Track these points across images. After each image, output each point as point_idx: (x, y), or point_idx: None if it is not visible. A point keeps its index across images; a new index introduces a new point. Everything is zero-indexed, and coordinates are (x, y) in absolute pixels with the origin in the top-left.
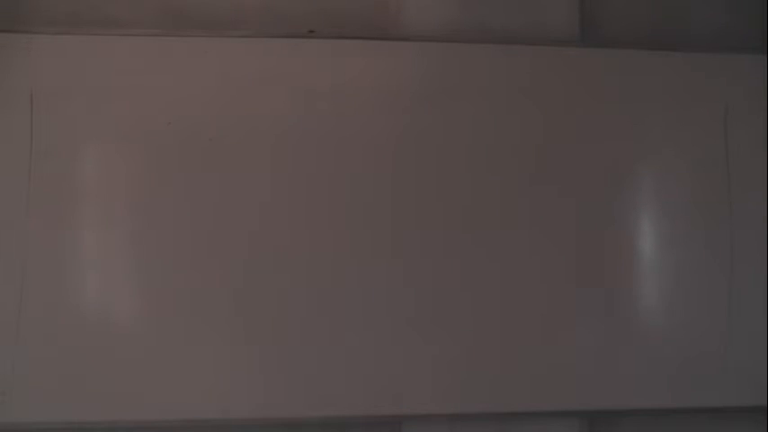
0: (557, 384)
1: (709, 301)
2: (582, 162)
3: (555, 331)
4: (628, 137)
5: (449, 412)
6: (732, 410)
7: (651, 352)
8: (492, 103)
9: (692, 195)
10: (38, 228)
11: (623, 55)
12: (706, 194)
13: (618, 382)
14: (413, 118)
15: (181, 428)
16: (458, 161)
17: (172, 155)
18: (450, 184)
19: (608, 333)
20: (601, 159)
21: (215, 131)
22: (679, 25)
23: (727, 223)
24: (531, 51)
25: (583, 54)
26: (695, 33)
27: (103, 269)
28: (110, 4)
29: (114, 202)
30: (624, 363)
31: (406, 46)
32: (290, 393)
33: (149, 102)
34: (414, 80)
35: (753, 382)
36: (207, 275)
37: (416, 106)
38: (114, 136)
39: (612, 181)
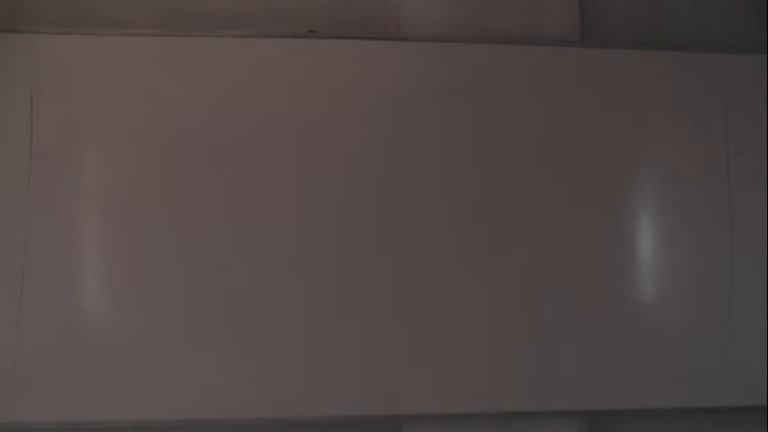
0: (557, 384)
1: (709, 301)
2: (582, 161)
3: (555, 331)
4: (628, 136)
5: (449, 412)
6: (732, 410)
7: (651, 352)
8: (492, 103)
9: (692, 195)
10: (38, 228)
11: (623, 55)
12: (706, 194)
13: (618, 382)
14: (412, 117)
15: (180, 428)
16: (458, 160)
17: (171, 154)
18: (451, 184)
19: (608, 333)
20: (601, 159)
21: (214, 131)
22: (679, 25)
23: (727, 223)
24: (531, 51)
25: (583, 54)
26: (695, 33)
27: (103, 269)
28: (110, 4)
29: (114, 201)
30: (624, 363)
31: (406, 46)
32: (289, 394)
33: (149, 101)
34: (414, 80)
35: (752, 382)
36: (207, 276)
37: (416, 106)
38: (114, 135)
39: (612, 180)
